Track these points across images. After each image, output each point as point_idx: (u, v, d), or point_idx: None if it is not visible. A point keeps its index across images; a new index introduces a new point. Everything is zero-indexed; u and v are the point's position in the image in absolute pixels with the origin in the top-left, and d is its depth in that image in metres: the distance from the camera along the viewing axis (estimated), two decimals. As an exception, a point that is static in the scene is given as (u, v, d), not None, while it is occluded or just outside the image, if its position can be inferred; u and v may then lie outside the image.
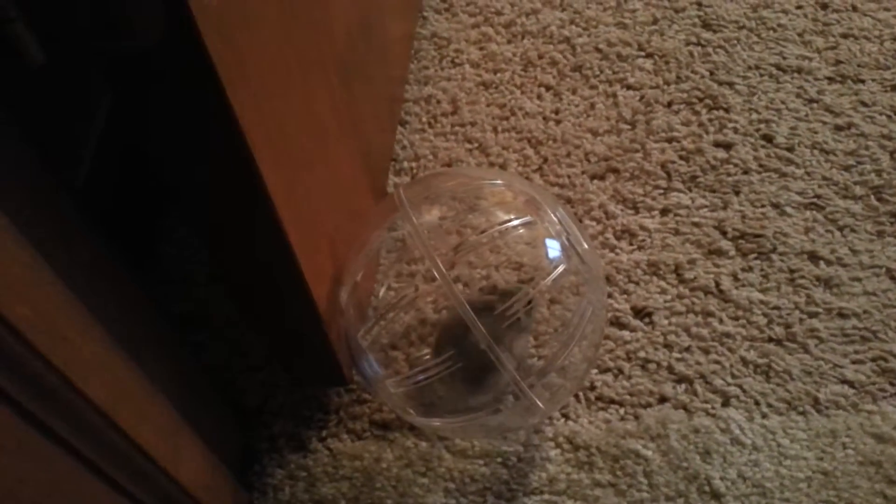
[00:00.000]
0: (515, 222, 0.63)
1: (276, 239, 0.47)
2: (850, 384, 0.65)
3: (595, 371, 0.67)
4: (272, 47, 0.46)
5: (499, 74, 0.91)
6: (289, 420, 0.66)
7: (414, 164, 0.84)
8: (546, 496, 0.60)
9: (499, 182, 0.69)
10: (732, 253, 0.74)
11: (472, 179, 0.72)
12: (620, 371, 0.67)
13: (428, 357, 0.67)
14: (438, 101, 0.89)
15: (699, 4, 0.94)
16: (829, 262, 0.72)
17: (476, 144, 0.85)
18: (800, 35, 0.91)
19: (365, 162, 0.70)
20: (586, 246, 0.61)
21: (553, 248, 0.63)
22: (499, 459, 0.62)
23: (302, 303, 0.54)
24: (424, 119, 0.88)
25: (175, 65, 0.37)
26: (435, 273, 0.56)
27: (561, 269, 0.61)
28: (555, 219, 0.62)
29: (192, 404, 0.52)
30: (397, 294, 0.71)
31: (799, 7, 0.94)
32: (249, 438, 0.65)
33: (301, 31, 0.51)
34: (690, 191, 0.79)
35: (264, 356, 0.69)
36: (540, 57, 0.92)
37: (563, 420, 0.64)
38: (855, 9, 0.93)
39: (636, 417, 0.64)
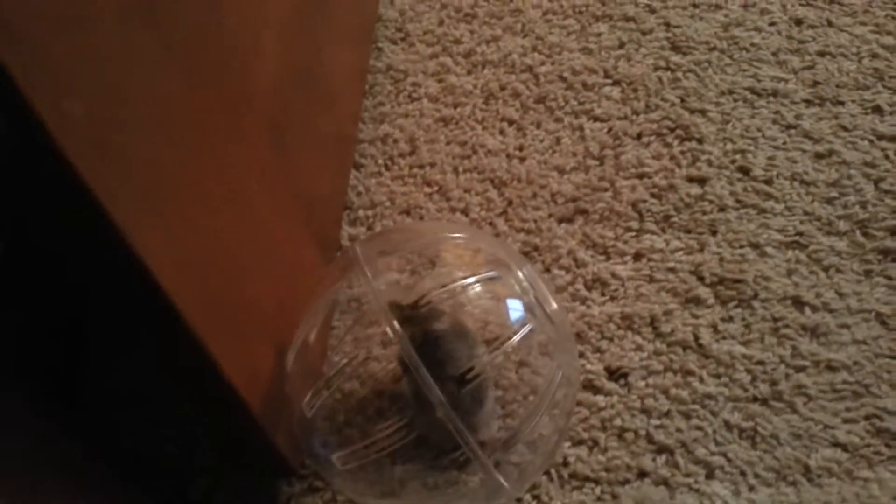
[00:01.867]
0: (476, 278, 0.58)
1: (193, 350, 0.42)
2: (843, 447, 0.60)
3: (568, 444, 0.61)
4: (171, 133, 0.40)
5: (459, 109, 0.86)
6: (235, 514, 0.60)
7: (370, 213, 0.78)
8: None
9: (459, 236, 0.63)
10: (711, 301, 0.69)
11: (431, 234, 0.67)
12: (595, 443, 0.61)
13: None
14: (395, 141, 0.84)
15: (667, 25, 0.89)
16: (814, 308, 0.67)
17: (436, 188, 0.79)
18: (774, 55, 0.86)
19: (308, 217, 0.65)
20: (555, 305, 0.56)
21: (517, 308, 0.58)
22: (465, 554, 0.57)
23: (233, 406, 0.48)
24: (380, 161, 0.82)
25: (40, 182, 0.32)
26: (388, 329, 0.51)
27: (527, 329, 0.56)
28: (520, 275, 0.57)
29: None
30: (347, 356, 0.66)
31: (772, 24, 0.89)
32: (193, 537, 0.59)
33: (214, 100, 0.45)
34: (664, 231, 0.74)
35: (207, 442, 0.63)
36: (502, 88, 0.87)
37: (534, 503, 0.59)
38: (830, 24, 0.88)
39: (614, 497, 0.58)
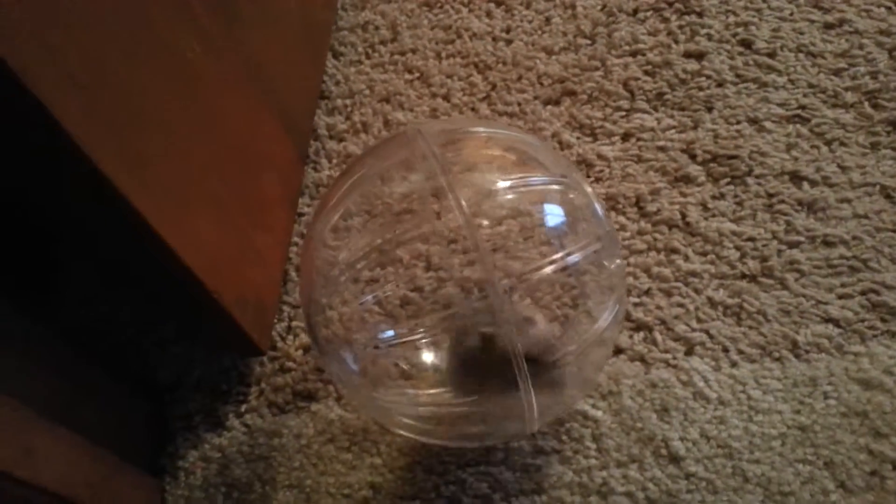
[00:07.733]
0: (590, 249, 0.48)
1: (133, 227, 0.41)
2: (836, 323, 0.57)
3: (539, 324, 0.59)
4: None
5: (444, -8, 0.81)
6: (206, 395, 0.59)
7: (348, 102, 0.75)
8: (481, 468, 0.53)
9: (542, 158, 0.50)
10: (702, 179, 0.65)
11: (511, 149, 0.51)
12: (567, 319, 0.59)
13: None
14: (377, 28, 0.80)
15: None
16: (813, 183, 0.63)
17: (417, 74, 0.76)
18: (785, -80, 0.79)
19: (272, 104, 0.62)
20: (608, 227, 0.49)
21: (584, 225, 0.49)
22: (430, 430, 0.55)
23: (181, 277, 0.47)
24: (361, 49, 0.79)
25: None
26: (490, 295, 0.42)
27: (614, 305, 0.48)
28: (601, 215, 0.48)
29: (65, 393, 0.46)
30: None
31: None
32: (165, 417, 0.59)
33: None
34: (656, 110, 0.69)
35: (175, 329, 0.62)
36: (489, -31, 0.81)
37: (504, 381, 0.57)
38: None
39: (587, 374, 0.56)
